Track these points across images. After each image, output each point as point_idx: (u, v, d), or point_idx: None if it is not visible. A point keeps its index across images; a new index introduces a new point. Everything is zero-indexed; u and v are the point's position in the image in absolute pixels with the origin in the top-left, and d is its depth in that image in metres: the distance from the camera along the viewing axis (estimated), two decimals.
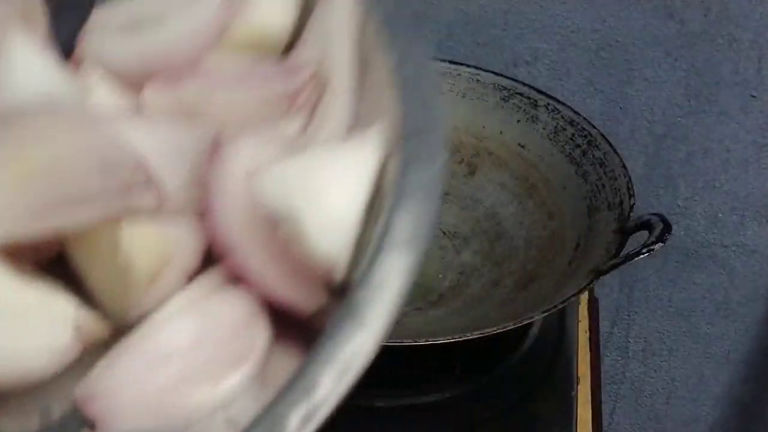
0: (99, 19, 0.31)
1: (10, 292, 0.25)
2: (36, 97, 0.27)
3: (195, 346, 0.25)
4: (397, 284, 0.24)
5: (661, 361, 1.15)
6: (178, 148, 0.28)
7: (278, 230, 0.25)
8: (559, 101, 0.81)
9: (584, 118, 0.80)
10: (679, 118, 0.96)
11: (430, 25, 0.94)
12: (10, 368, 0.24)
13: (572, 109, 0.81)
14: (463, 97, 0.84)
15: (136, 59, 0.30)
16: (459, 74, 0.84)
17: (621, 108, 0.96)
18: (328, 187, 0.26)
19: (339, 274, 0.26)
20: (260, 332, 0.26)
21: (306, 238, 0.25)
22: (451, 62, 0.85)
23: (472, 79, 0.84)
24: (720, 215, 1.02)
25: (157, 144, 0.27)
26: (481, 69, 0.84)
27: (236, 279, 0.27)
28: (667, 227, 0.67)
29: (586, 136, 0.79)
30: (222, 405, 0.24)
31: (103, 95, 0.29)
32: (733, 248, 1.04)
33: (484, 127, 0.84)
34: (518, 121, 0.82)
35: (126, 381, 0.24)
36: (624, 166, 0.75)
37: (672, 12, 0.90)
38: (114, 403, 0.23)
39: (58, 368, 0.24)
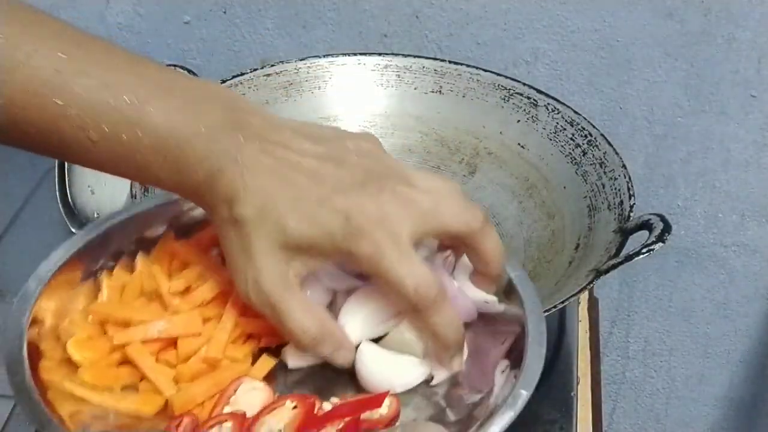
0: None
1: (390, 355, 0.58)
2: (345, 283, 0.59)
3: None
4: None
5: (661, 361, 1.15)
6: None
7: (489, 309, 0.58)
8: (559, 101, 0.81)
9: (584, 118, 0.80)
10: (679, 118, 0.96)
11: (430, 25, 0.94)
12: (396, 386, 0.56)
13: (572, 109, 0.81)
14: (463, 97, 0.84)
15: None
16: (459, 74, 0.84)
17: (621, 108, 0.96)
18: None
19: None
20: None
21: (495, 303, 0.58)
22: (451, 62, 0.85)
23: (472, 79, 0.84)
24: (720, 215, 1.02)
25: None
26: (481, 69, 0.84)
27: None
28: (667, 227, 0.67)
29: (586, 136, 0.79)
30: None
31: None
32: (733, 248, 1.04)
33: (484, 127, 0.84)
34: (518, 121, 0.82)
35: None
36: (624, 166, 0.75)
37: (672, 12, 0.90)
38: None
39: (416, 383, 0.57)
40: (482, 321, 0.59)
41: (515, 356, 0.55)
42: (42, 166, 0.90)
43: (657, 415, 1.20)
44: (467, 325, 0.59)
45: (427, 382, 0.57)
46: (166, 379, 0.55)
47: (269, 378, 0.57)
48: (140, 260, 0.62)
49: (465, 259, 0.59)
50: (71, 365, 0.56)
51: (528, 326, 0.55)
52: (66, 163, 0.84)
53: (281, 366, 0.58)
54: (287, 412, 0.53)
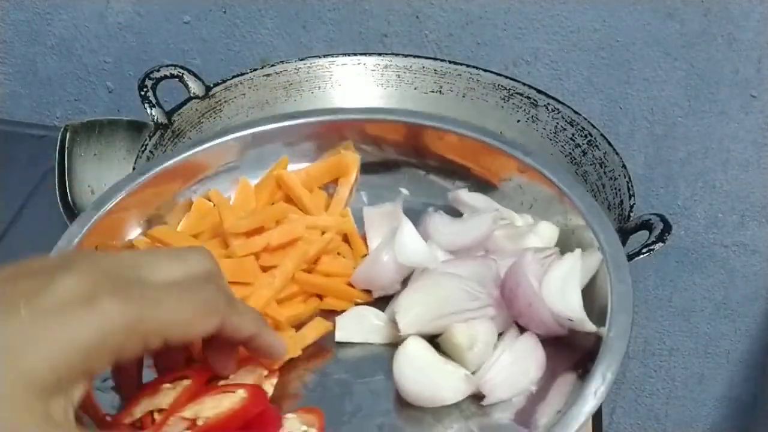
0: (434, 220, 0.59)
1: (434, 361, 0.52)
2: (419, 259, 0.56)
3: (512, 363, 0.52)
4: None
5: (661, 361, 1.15)
6: (482, 276, 0.55)
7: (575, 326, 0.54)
8: (559, 101, 0.81)
9: (584, 118, 0.80)
10: (679, 118, 0.96)
11: (430, 25, 0.94)
12: (432, 401, 0.52)
13: (572, 109, 0.81)
14: (463, 97, 0.84)
15: (454, 238, 0.59)
16: (459, 74, 0.84)
17: (621, 108, 0.96)
18: (573, 291, 0.54)
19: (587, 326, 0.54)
20: (540, 353, 0.54)
21: (583, 322, 0.54)
22: (451, 62, 0.85)
23: (472, 79, 0.84)
24: (720, 215, 1.02)
25: (471, 275, 0.55)
26: (481, 69, 0.84)
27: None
28: (667, 227, 0.67)
29: (586, 136, 0.79)
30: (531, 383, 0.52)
31: (441, 258, 0.57)
32: (733, 248, 1.04)
33: (484, 127, 0.84)
34: (518, 121, 0.82)
35: (496, 378, 0.52)
36: (624, 166, 0.75)
37: (672, 12, 0.90)
38: (494, 385, 0.52)
39: (454, 400, 0.52)
40: (564, 341, 0.54)
41: (582, 371, 0.50)
42: (42, 166, 0.90)
43: (657, 415, 1.20)
44: (544, 342, 0.53)
45: (478, 398, 0.52)
46: None
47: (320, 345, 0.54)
48: (241, 184, 0.58)
49: (563, 266, 0.54)
50: None
51: (604, 349, 0.50)
52: (66, 163, 0.84)
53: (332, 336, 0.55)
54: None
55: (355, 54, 0.85)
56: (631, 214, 0.71)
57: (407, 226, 0.57)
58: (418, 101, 0.85)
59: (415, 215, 0.59)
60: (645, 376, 1.16)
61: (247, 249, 0.55)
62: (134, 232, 0.58)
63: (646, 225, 0.69)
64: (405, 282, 0.57)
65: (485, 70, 0.84)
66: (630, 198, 0.73)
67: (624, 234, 0.70)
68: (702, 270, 1.06)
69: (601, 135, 0.79)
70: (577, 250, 0.55)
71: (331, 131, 0.62)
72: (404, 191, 0.63)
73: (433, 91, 0.85)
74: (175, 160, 0.59)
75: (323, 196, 0.61)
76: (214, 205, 0.59)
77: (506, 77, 0.84)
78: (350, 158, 0.62)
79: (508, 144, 0.61)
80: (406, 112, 0.64)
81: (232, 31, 0.97)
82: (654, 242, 0.66)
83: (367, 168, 0.63)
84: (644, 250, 0.66)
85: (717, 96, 0.94)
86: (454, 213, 0.61)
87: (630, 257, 0.66)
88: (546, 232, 0.58)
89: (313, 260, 0.57)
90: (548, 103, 0.82)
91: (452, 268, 0.56)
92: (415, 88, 0.85)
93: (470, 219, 0.60)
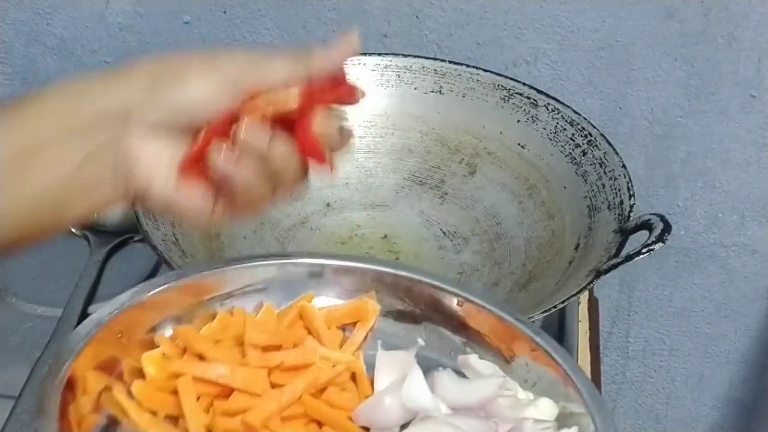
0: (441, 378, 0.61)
1: None
2: (425, 405, 0.57)
3: None
4: None
5: (661, 361, 1.15)
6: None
7: None
8: (559, 101, 0.81)
9: (584, 118, 0.80)
10: (679, 118, 0.96)
11: (430, 25, 0.94)
12: None
13: (572, 109, 0.81)
14: (463, 97, 0.84)
15: (459, 396, 0.60)
16: (459, 74, 0.84)
17: (621, 108, 0.96)
18: None
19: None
20: None
21: None
22: (451, 62, 0.85)
23: (472, 79, 0.84)
24: (720, 215, 1.02)
25: (473, 431, 0.57)
26: (481, 69, 0.84)
27: None
28: (667, 227, 0.67)
29: (586, 136, 0.79)
30: None
31: (443, 410, 0.59)
32: (733, 248, 1.04)
33: (484, 127, 0.84)
34: (518, 121, 0.82)
35: None
36: (624, 166, 0.75)
37: (672, 12, 0.90)
38: None
39: None
40: None
41: None
42: None
43: (657, 415, 1.20)
44: None
45: None
46: (196, 422, 0.54)
47: None
48: (264, 306, 0.62)
49: None
50: (138, 375, 0.56)
51: None
52: None
53: None
54: None
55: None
56: (631, 214, 0.71)
57: (417, 373, 0.59)
58: (418, 101, 0.85)
59: (424, 370, 0.61)
60: (645, 376, 1.16)
61: (263, 362, 0.58)
62: (155, 326, 0.61)
63: (646, 225, 0.69)
64: (403, 427, 0.58)
65: (485, 70, 0.84)
66: (630, 198, 0.73)
67: (624, 234, 0.70)
68: (702, 270, 1.06)
69: (601, 135, 0.79)
70: (574, 428, 0.57)
71: (359, 276, 0.65)
72: (421, 341, 0.64)
73: (433, 91, 0.85)
74: (210, 271, 0.62)
75: (340, 335, 0.64)
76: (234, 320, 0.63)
77: (506, 77, 0.84)
78: (371, 306, 0.64)
79: (522, 322, 0.62)
80: (431, 275, 0.66)
81: (232, 31, 0.97)
82: (654, 242, 0.66)
83: (387, 315, 0.65)
84: (644, 250, 0.66)
85: (717, 96, 0.94)
86: (461, 374, 0.63)
87: (630, 257, 0.66)
88: (546, 409, 0.59)
89: (320, 388, 0.60)
90: (548, 103, 0.82)
91: (455, 421, 0.57)
92: (415, 88, 0.85)
93: (477, 381, 0.61)
